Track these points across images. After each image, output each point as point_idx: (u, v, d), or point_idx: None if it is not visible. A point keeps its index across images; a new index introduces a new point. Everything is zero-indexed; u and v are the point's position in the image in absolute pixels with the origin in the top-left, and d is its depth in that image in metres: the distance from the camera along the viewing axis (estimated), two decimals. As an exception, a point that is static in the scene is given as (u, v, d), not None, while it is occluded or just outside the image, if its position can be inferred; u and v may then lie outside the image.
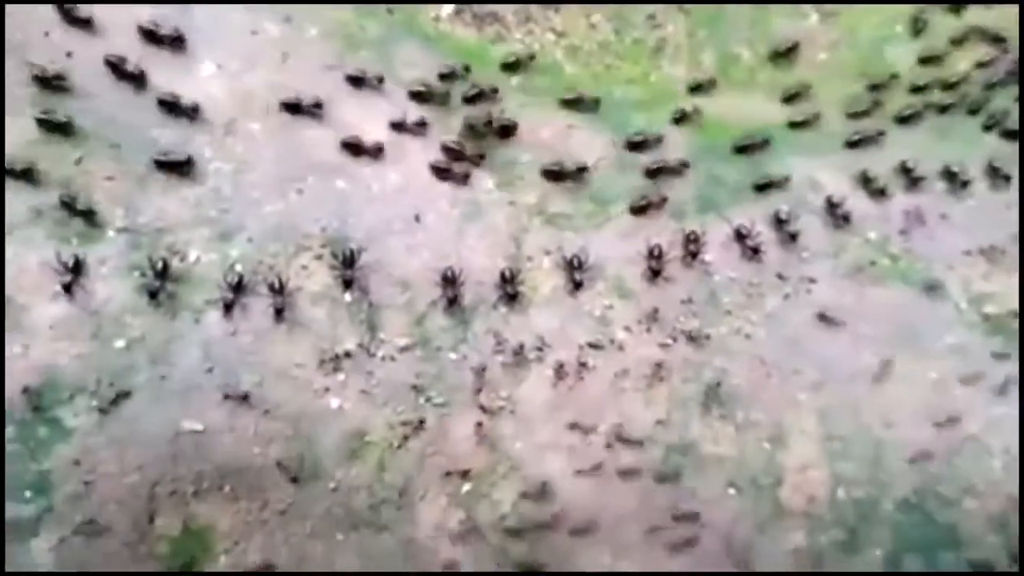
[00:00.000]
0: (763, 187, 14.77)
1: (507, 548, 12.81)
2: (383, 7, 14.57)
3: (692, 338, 13.88)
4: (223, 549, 12.38)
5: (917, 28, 16.09)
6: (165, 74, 13.01)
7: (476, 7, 14.90)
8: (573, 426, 13.29)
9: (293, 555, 12.44)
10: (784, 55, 15.79)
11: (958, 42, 16.10)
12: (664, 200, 14.34)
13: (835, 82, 15.73)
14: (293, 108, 13.45)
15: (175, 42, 13.12)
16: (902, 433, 14.14)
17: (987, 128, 15.93)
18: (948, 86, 15.75)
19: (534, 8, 15.37)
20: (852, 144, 15.07)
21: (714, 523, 13.36)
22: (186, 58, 13.28)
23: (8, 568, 12.12)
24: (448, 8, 14.73)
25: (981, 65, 16.09)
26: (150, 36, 13.05)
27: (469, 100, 14.25)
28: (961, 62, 16.32)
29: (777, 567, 13.47)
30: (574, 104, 14.64)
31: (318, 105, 13.40)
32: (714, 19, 16.00)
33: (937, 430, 14.22)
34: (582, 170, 14.13)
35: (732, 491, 13.59)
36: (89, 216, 12.57)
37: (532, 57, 14.82)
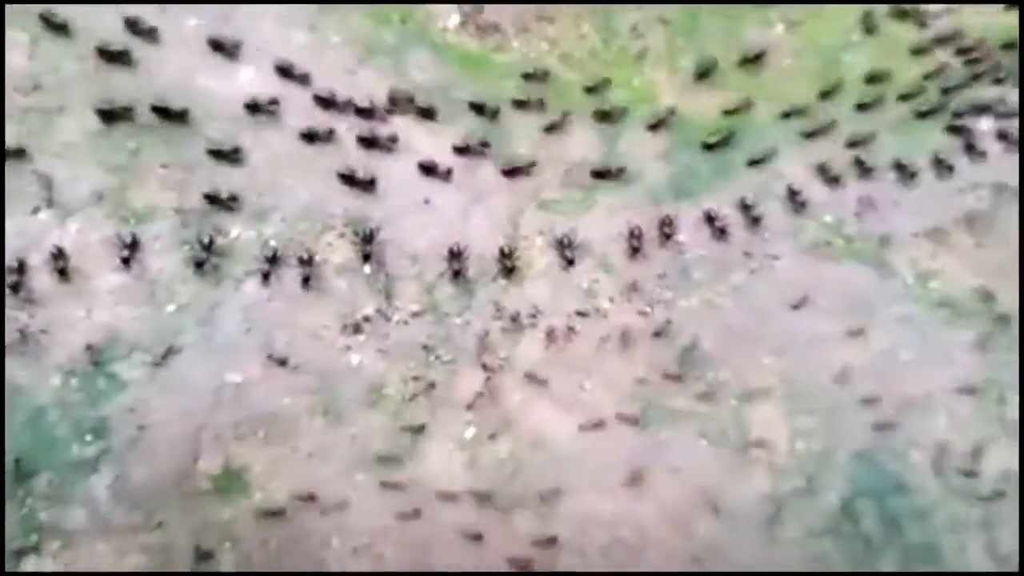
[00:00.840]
0: (754, 163, 16.66)
1: (503, 484, 14.65)
2: (398, 17, 16.60)
3: (667, 307, 15.71)
4: (258, 486, 14.27)
5: (868, 28, 17.99)
6: (214, 77, 15.05)
7: (480, 19, 16.92)
8: (563, 382, 15.10)
9: (318, 492, 14.29)
10: (753, 61, 17.74)
11: (919, 51, 17.99)
12: (621, 170, 16.17)
13: (798, 84, 17.65)
14: (326, 104, 15.40)
15: (233, 49, 15.21)
16: (855, 393, 15.94)
17: (951, 129, 17.74)
18: (904, 96, 17.64)
19: (531, 20, 17.40)
20: (808, 135, 16.96)
21: (688, 470, 15.17)
22: (230, 63, 15.32)
23: (69, 503, 14.00)
24: (455, 19, 16.76)
25: (929, 76, 17.98)
26: (216, 46, 15.19)
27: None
28: (915, 68, 18.22)
29: (744, 510, 15.27)
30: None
31: (348, 104, 15.35)
32: (691, 29, 18.01)
33: (887, 391, 16.01)
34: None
35: (704, 442, 15.40)
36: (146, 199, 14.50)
37: (547, 73, 16.69)
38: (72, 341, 14.23)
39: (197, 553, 14.00)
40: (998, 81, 18.27)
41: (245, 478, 14.27)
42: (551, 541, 14.56)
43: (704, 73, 17.30)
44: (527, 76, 16.56)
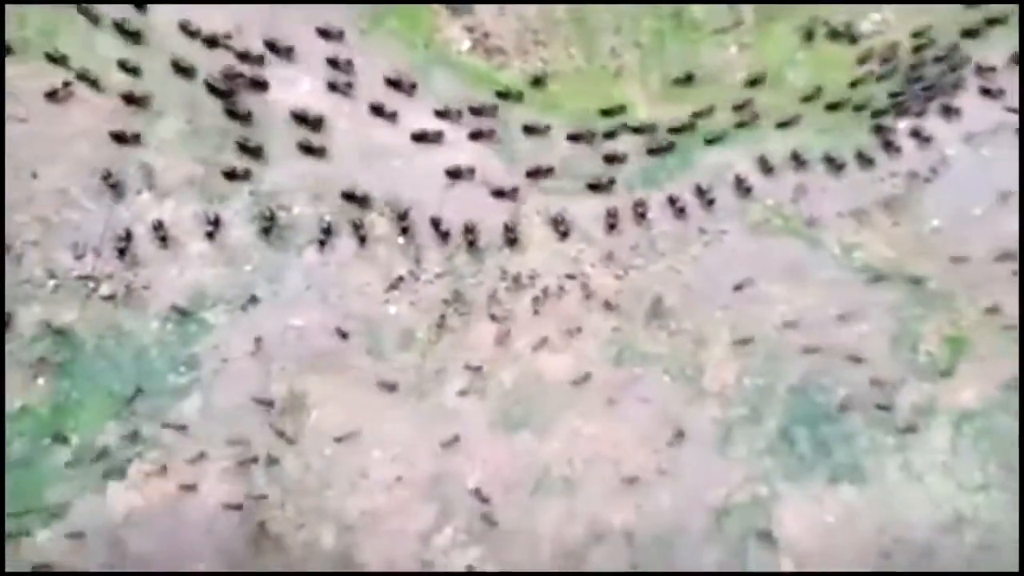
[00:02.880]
0: (711, 141, 20.70)
1: (508, 409, 18.51)
2: (422, 42, 20.74)
3: (638, 272, 19.67)
4: (314, 407, 18.12)
5: (807, 46, 22.17)
6: (283, 90, 19.19)
7: (487, 43, 21.05)
8: (555, 330, 19.05)
9: (361, 413, 18.18)
10: (686, 81, 21.84)
11: (863, 60, 22.08)
12: (612, 181, 20.30)
13: (748, 93, 21.73)
14: (375, 111, 19.51)
15: (288, 52, 19.38)
16: (792, 339, 19.82)
17: (873, 129, 21.78)
18: (832, 105, 21.77)
19: (529, 43, 21.56)
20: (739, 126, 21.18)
21: (657, 397, 19.04)
22: (291, 79, 19.47)
23: (163, 422, 17.82)
24: (467, 43, 20.89)
25: (855, 84, 22.10)
26: (271, 47, 19.39)
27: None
28: (844, 78, 22.35)
29: (700, 433, 19.09)
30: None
31: (387, 111, 19.50)
32: (658, 52, 22.15)
33: (819, 337, 19.87)
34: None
35: (667, 378, 19.24)
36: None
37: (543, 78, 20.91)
38: (168, 295, 18.14)
39: (268, 459, 17.82)
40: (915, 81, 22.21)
41: (304, 401, 18.12)
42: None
43: (683, 80, 21.36)
44: (500, 95, 20.59)
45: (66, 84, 18.64)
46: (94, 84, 18.79)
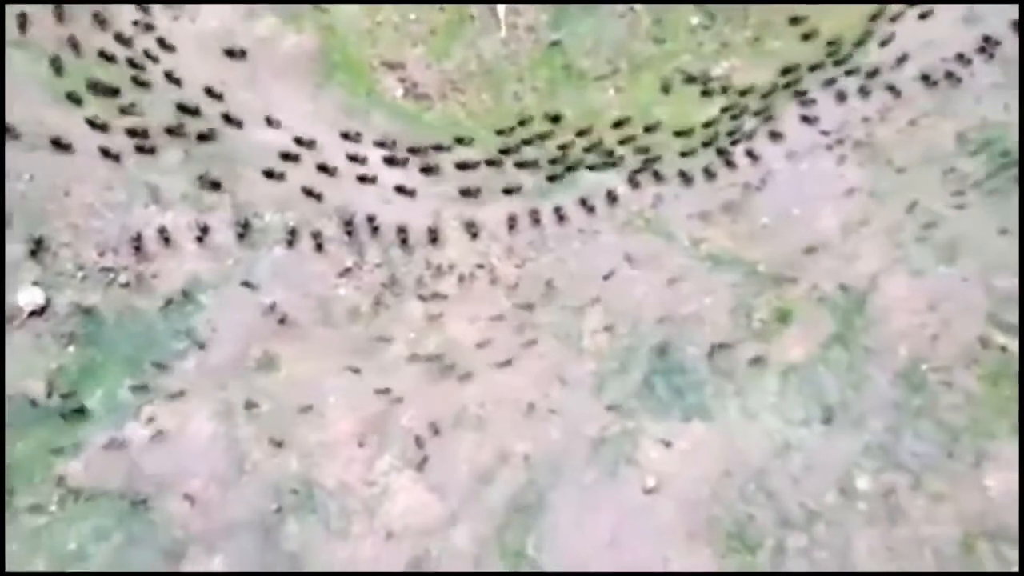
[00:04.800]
0: (592, 167, 27.07)
1: (432, 365, 24.31)
2: (364, 91, 27.07)
3: (533, 262, 25.79)
4: (283, 365, 23.79)
5: (666, 90, 28.71)
6: (257, 131, 25.32)
7: (415, 91, 27.39)
8: (469, 306, 25.04)
9: (319, 369, 23.86)
10: (555, 120, 28.25)
11: (709, 93, 28.65)
12: (519, 187, 26.54)
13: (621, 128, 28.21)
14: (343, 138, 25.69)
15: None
16: (652, 311, 25.89)
17: (718, 151, 28.22)
18: (682, 133, 28.29)
19: (449, 90, 27.93)
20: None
21: (548, 355, 24.95)
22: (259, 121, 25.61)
23: (170, 375, 23.43)
24: (400, 91, 27.22)
25: (708, 125, 28.66)
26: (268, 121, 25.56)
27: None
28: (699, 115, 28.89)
29: (579, 382, 24.95)
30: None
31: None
32: (553, 95, 28.62)
33: (673, 309, 25.97)
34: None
35: (555, 342, 25.19)
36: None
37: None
38: (170, 282, 23.91)
39: (247, 403, 23.39)
40: (757, 113, 28.74)
41: (276, 361, 23.82)
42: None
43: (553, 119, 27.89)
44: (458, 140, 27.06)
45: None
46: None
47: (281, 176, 24.73)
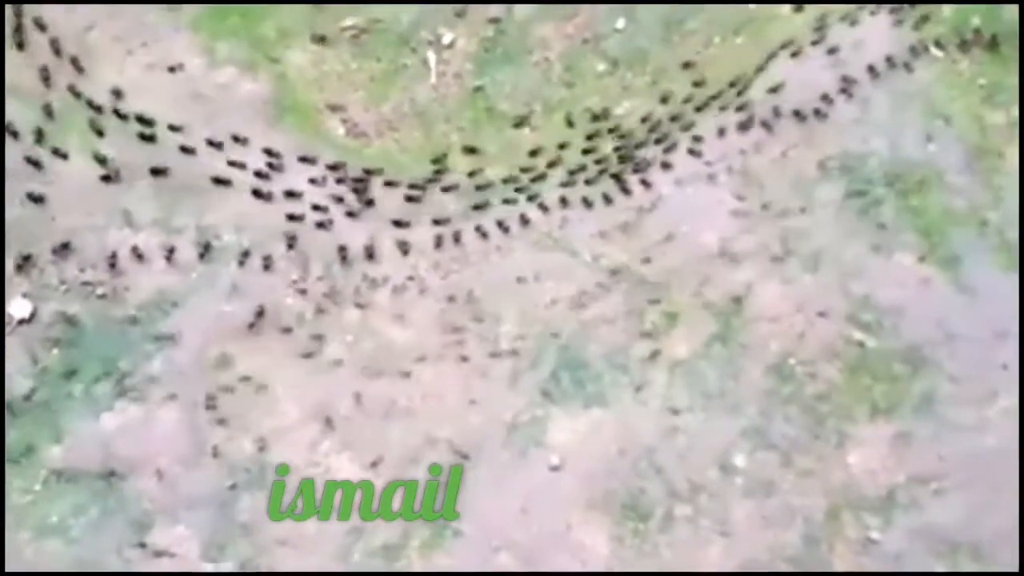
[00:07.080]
0: (507, 201, 31.69)
1: (368, 364, 28.55)
2: (312, 131, 31.50)
3: (456, 275, 30.19)
4: (238, 363, 27.88)
5: (570, 124, 33.54)
6: (217, 163, 29.60)
7: (356, 129, 31.87)
8: (400, 312, 29.35)
9: (270, 367, 28.00)
10: (472, 151, 32.81)
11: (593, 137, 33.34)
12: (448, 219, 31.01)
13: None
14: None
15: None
16: (559, 315, 30.34)
17: (613, 177, 32.85)
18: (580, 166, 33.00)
19: (385, 129, 32.44)
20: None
21: (469, 356, 29.28)
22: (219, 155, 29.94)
23: (143, 372, 27.47)
24: (342, 130, 31.69)
25: (621, 139, 33.29)
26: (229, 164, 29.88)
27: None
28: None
29: (498, 376, 29.25)
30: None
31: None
32: (477, 131, 33.17)
33: (577, 313, 30.41)
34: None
35: (476, 342, 29.55)
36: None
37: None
38: (142, 294, 27.99)
39: (208, 401, 27.41)
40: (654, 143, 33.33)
41: (232, 360, 27.91)
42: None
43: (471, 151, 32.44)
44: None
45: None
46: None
47: (237, 201, 28.99)
